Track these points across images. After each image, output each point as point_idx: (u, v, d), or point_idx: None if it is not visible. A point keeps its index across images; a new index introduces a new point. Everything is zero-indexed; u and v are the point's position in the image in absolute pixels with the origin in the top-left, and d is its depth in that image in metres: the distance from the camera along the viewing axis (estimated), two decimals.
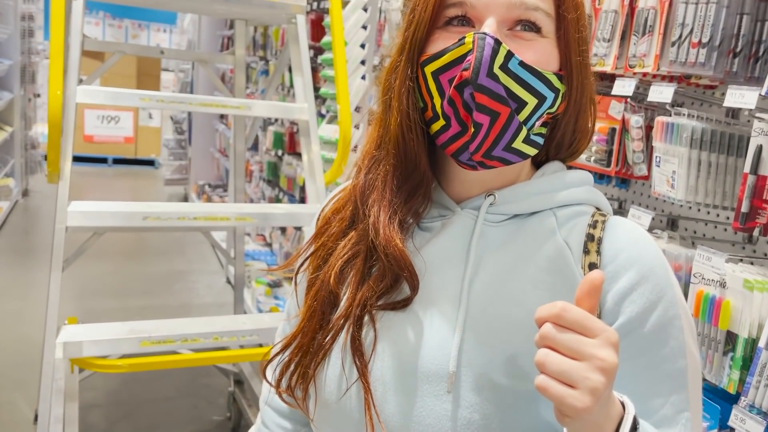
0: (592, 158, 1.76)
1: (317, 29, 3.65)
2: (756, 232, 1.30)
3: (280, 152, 4.71)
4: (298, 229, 3.29)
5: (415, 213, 0.83)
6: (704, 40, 1.40)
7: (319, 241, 0.88)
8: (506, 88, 0.75)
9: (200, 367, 3.35)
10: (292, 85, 3.68)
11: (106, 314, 4.05)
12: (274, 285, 4.13)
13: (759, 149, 1.29)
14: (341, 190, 0.93)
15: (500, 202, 0.82)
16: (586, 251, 0.79)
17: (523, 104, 0.77)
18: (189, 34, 7.95)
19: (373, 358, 0.78)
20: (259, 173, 5.45)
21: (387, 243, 0.79)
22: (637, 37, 1.58)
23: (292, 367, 0.84)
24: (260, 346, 2.33)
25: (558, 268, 0.78)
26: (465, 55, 0.74)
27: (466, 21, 0.78)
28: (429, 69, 0.78)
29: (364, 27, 3.04)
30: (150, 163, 9.79)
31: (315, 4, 3.91)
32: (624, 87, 1.62)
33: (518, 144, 0.78)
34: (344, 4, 2.98)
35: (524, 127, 0.78)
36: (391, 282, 0.80)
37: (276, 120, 4.90)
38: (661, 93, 1.51)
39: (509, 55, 0.75)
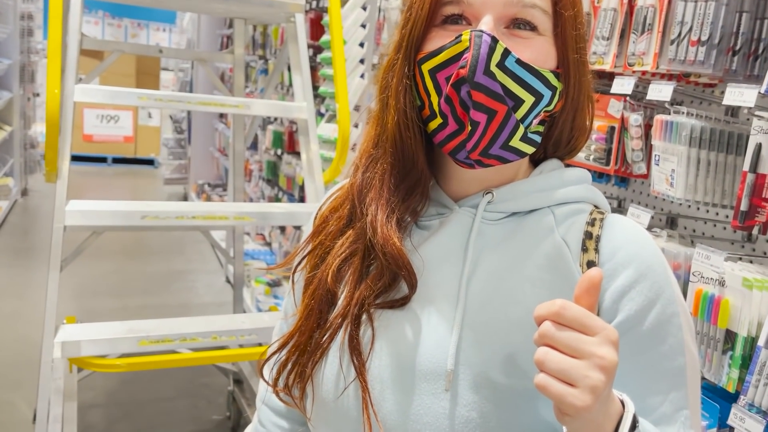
0: (592, 157, 1.76)
1: (316, 28, 3.65)
2: (755, 231, 1.30)
3: (279, 151, 4.71)
4: (298, 228, 3.29)
5: (413, 211, 0.83)
6: (703, 38, 1.40)
7: (316, 239, 0.88)
8: (503, 86, 0.75)
9: (200, 366, 3.35)
10: (291, 84, 3.67)
11: (105, 313, 4.05)
12: (274, 284, 4.13)
13: (758, 147, 1.29)
14: (339, 189, 0.93)
15: (498, 200, 0.82)
16: (585, 249, 0.79)
17: (520, 102, 0.77)
18: (188, 33, 7.95)
19: (371, 356, 0.78)
20: (258, 172, 5.45)
21: (385, 242, 0.79)
22: (637, 35, 1.58)
23: (289, 366, 0.84)
24: (259, 345, 2.33)
25: (556, 266, 0.78)
26: (462, 53, 0.74)
27: (463, 19, 0.78)
28: (426, 67, 0.78)
29: (363, 25, 3.04)
30: (149, 162, 9.79)
31: (314, 3, 3.90)
32: (623, 85, 1.62)
33: (515, 142, 0.78)
34: (343, 2, 2.97)
35: (521, 125, 0.77)
36: (389, 281, 0.79)
37: (275, 119, 4.90)
38: (661, 91, 1.50)
39: (506, 52, 0.75)
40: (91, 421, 2.96)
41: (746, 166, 1.31)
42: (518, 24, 0.77)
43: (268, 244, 5.15)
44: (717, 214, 1.59)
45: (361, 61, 3.04)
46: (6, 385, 3.18)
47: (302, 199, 4.04)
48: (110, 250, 5.27)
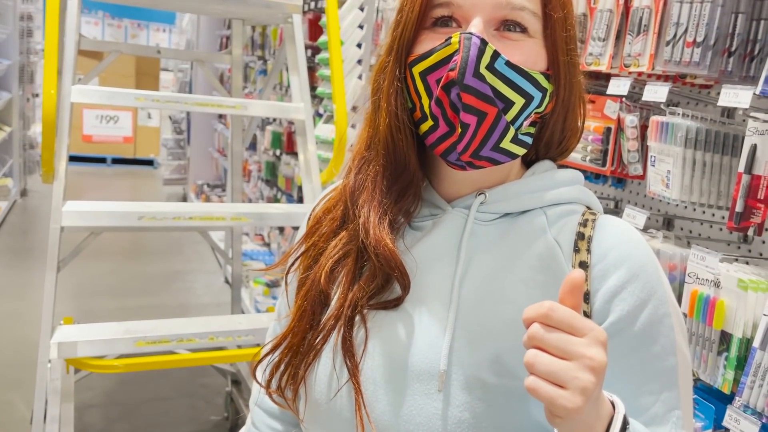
0: (588, 158, 1.76)
1: (314, 29, 3.65)
2: (750, 232, 1.30)
3: (278, 152, 4.71)
4: (296, 228, 3.28)
5: (405, 213, 0.83)
6: (699, 39, 1.40)
7: (309, 240, 0.88)
8: (493, 88, 0.75)
9: (197, 367, 3.35)
10: (289, 85, 3.68)
11: (103, 314, 4.05)
12: (272, 285, 4.12)
13: (753, 149, 1.29)
14: (332, 190, 0.93)
15: (491, 201, 0.82)
16: (577, 250, 0.79)
17: (510, 104, 0.77)
18: (188, 34, 7.95)
19: (363, 357, 0.78)
20: (257, 173, 5.45)
21: (377, 243, 0.79)
22: (632, 37, 1.58)
23: (282, 367, 0.84)
24: (257, 346, 2.32)
25: (548, 267, 0.78)
26: (451, 56, 0.74)
27: (453, 21, 0.78)
28: (417, 69, 0.78)
29: (361, 26, 3.03)
30: (149, 162, 9.79)
31: (312, 4, 3.90)
32: (619, 86, 1.62)
33: (506, 144, 0.78)
34: (341, 3, 2.97)
35: (512, 126, 0.78)
36: (382, 282, 0.80)
37: (274, 120, 4.90)
38: (656, 92, 1.50)
39: (495, 54, 0.75)
40: (89, 422, 2.96)
41: (741, 168, 1.31)
42: (508, 26, 0.77)
43: (267, 245, 5.15)
44: (713, 215, 1.60)
45: (359, 62, 3.04)
46: (5, 385, 3.18)
47: (301, 200, 4.04)
48: (109, 251, 5.27)
